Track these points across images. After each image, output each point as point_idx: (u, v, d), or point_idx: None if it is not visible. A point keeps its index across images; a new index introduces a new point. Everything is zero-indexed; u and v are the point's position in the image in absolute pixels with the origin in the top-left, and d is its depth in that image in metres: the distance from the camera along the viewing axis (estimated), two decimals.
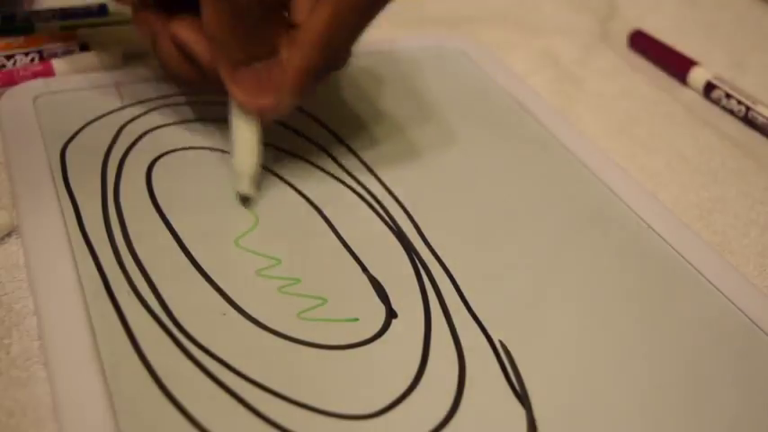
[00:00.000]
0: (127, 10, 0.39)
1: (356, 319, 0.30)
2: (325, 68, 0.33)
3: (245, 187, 0.34)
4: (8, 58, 0.42)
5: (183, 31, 0.33)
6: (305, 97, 0.33)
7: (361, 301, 0.31)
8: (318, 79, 0.33)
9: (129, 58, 0.44)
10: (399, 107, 0.42)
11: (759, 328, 0.32)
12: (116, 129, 0.38)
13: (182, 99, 0.41)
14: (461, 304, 0.31)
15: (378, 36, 0.43)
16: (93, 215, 0.33)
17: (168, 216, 0.33)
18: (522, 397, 0.28)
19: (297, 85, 0.32)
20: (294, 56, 0.31)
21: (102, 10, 0.47)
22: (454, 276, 0.32)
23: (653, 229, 0.36)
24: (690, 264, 0.34)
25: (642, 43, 0.51)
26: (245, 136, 0.33)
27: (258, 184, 0.34)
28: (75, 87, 0.40)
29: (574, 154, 0.40)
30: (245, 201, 0.34)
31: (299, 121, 0.40)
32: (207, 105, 0.40)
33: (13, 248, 0.32)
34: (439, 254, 0.33)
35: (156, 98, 0.40)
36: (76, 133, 0.37)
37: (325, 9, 0.31)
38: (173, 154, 0.37)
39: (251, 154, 0.33)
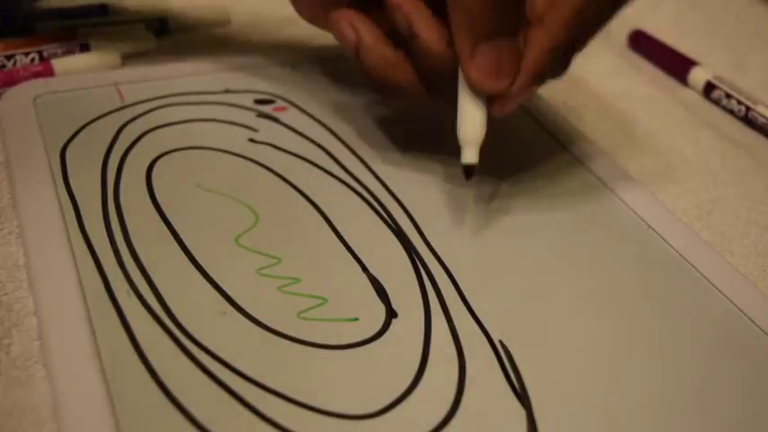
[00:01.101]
0: (128, 8, 0.39)
1: (356, 319, 0.30)
2: (569, 53, 0.32)
3: (470, 157, 0.32)
4: (8, 58, 0.42)
5: (414, 14, 0.32)
6: (537, 87, 0.32)
7: (361, 301, 0.31)
8: (555, 71, 0.32)
9: (129, 58, 0.44)
10: (399, 107, 0.42)
11: (759, 328, 0.31)
12: (116, 129, 0.38)
13: (182, 99, 0.41)
14: (461, 304, 0.31)
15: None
16: (93, 215, 0.33)
17: (168, 216, 0.33)
18: (522, 397, 0.28)
19: (538, 67, 0.31)
20: (539, 35, 0.31)
21: (103, 10, 0.47)
22: (454, 276, 0.32)
23: (653, 229, 0.36)
24: (690, 264, 0.34)
25: (642, 43, 0.51)
26: (472, 110, 0.32)
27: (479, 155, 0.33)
28: (75, 87, 0.40)
29: (573, 154, 0.40)
30: (469, 172, 0.33)
31: (300, 120, 0.40)
32: (207, 105, 0.41)
33: (13, 248, 0.32)
34: (439, 254, 0.33)
35: (156, 98, 0.40)
36: (76, 133, 0.37)
37: None
38: (173, 154, 0.37)
39: (477, 125, 0.32)
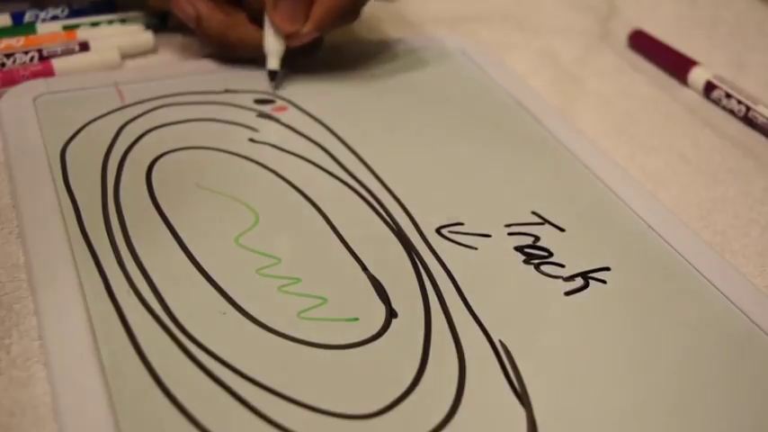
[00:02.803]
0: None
1: (356, 319, 0.30)
2: (348, 14, 0.42)
3: (275, 64, 0.42)
4: (8, 57, 0.42)
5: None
6: (323, 33, 0.42)
7: (361, 300, 0.31)
8: (337, 21, 0.42)
9: (129, 57, 0.44)
10: (399, 107, 0.42)
11: (759, 328, 0.31)
12: (116, 129, 0.38)
13: (182, 99, 0.41)
14: (461, 304, 0.31)
15: (378, 36, 0.43)
16: (93, 215, 0.33)
17: (168, 216, 0.33)
18: (522, 397, 0.28)
19: (322, 22, 0.41)
20: (322, 2, 0.40)
21: (109, 6, 0.47)
22: (454, 276, 0.32)
23: (653, 229, 0.36)
24: (690, 264, 0.34)
25: (642, 43, 0.51)
26: (274, 40, 0.42)
27: (282, 64, 0.42)
28: (75, 87, 0.40)
29: (574, 154, 0.40)
30: (273, 76, 0.42)
31: (300, 120, 0.40)
32: (207, 105, 0.41)
33: (13, 248, 0.32)
34: (439, 254, 0.33)
35: (156, 98, 0.40)
36: (76, 133, 0.37)
37: None
38: (173, 154, 0.37)
39: (278, 44, 0.42)
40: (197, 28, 0.43)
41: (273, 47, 0.42)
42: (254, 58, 0.43)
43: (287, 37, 0.41)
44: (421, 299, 0.31)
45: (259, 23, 0.42)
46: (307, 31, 0.41)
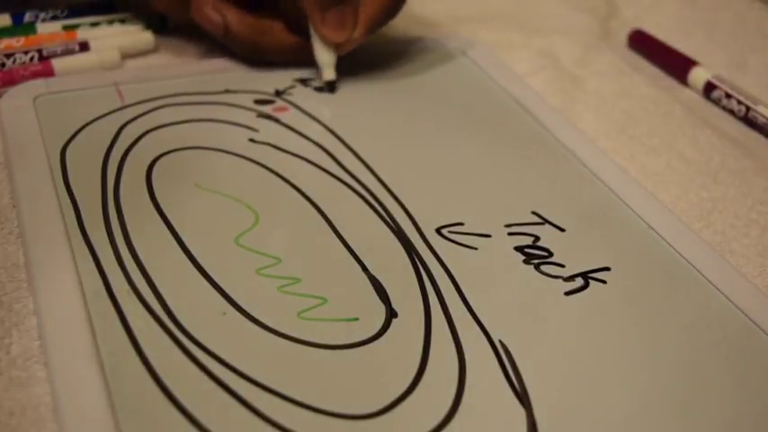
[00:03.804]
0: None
1: (356, 319, 0.30)
2: (396, 7, 0.42)
3: (331, 74, 0.42)
4: (8, 57, 0.42)
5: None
6: (371, 36, 0.42)
7: (361, 300, 0.31)
8: (385, 20, 0.42)
9: (129, 57, 0.44)
10: (400, 107, 0.42)
11: (759, 327, 0.31)
12: (116, 129, 0.38)
13: (182, 99, 0.41)
14: (461, 304, 0.31)
15: (378, 36, 0.43)
16: (93, 215, 0.33)
17: (168, 216, 0.33)
18: (522, 397, 0.28)
19: (372, 23, 0.41)
20: (369, 4, 0.41)
21: (109, 6, 0.47)
22: (454, 276, 0.32)
23: (653, 229, 0.36)
24: (690, 264, 0.34)
25: (642, 43, 0.51)
26: (325, 51, 0.42)
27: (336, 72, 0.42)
28: (75, 87, 0.40)
29: (574, 154, 0.40)
30: (332, 87, 0.42)
31: (300, 120, 0.40)
32: (207, 105, 0.41)
33: (13, 248, 0.32)
34: (439, 254, 0.33)
35: (156, 98, 0.40)
36: (76, 133, 0.37)
37: None
38: (173, 154, 0.37)
39: (329, 54, 0.42)
40: (224, 36, 0.42)
41: (326, 58, 0.42)
42: (286, 62, 0.43)
43: (337, 46, 0.41)
44: (421, 299, 0.31)
45: (296, 31, 0.42)
46: (358, 36, 0.41)
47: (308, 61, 0.43)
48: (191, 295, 0.30)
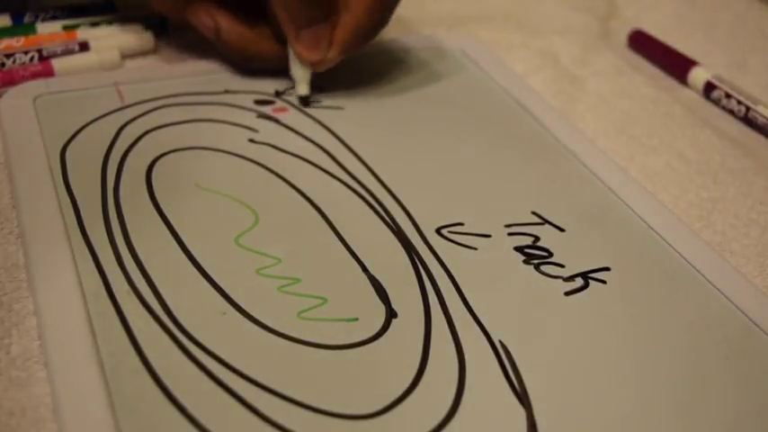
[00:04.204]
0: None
1: (356, 319, 0.30)
2: (371, 32, 0.41)
3: (304, 90, 0.42)
4: (8, 57, 0.42)
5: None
6: (349, 54, 0.41)
7: (361, 301, 0.31)
8: (362, 41, 0.41)
9: (129, 58, 0.44)
10: (399, 107, 0.42)
11: (759, 328, 0.31)
12: (116, 129, 0.38)
13: (182, 99, 0.41)
14: (461, 304, 0.31)
15: (377, 36, 0.43)
16: (93, 215, 0.33)
17: (168, 216, 0.33)
18: (522, 397, 0.28)
19: (346, 45, 0.40)
20: (347, 20, 0.40)
21: (109, 6, 0.47)
22: (454, 276, 0.32)
23: (653, 229, 0.36)
24: (690, 264, 0.34)
25: (642, 43, 0.51)
26: (300, 66, 0.41)
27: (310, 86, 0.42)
28: (76, 87, 0.40)
29: (574, 154, 0.40)
30: (305, 101, 0.42)
31: (299, 121, 0.40)
32: (207, 105, 0.41)
33: (13, 248, 0.32)
34: (439, 254, 0.33)
35: (156, 98, 0.40)
36: (76, 133, 0.37)
37: None
38: (173, 154, 0.37)
39: (304, 70, 0.41)
40: (216, 40, 0.42)
41: (300, 73, 0.41)
42: (274, 69, 0.42)
43: (312, 64, 0.41)
44: (421, 299, 0.31)
45: (283, 42, 0.42)
46: (332, 56, 0.40)
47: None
48: (190, 295, 0.30)
